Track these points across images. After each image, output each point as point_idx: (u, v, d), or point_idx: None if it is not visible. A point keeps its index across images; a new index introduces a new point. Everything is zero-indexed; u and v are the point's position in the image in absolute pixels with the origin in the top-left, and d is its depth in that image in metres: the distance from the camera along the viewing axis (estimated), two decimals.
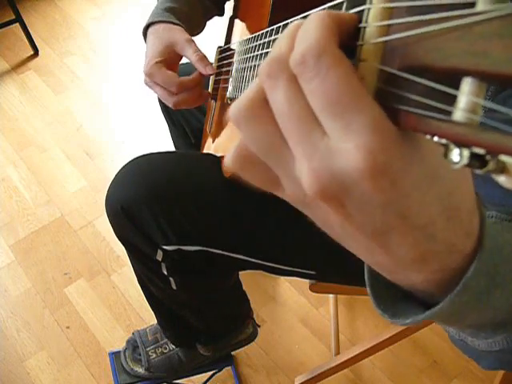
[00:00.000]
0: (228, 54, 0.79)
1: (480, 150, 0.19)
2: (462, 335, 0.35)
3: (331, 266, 0.78)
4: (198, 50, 0.74)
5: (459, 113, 0.19)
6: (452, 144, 0.20)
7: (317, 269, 0.79)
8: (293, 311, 1.31)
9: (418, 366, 1.21)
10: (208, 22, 0.92)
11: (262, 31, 0.52)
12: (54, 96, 1.91)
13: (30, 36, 2.04)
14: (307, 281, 0.86)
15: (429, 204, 0.23)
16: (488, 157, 0.19)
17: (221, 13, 0.94)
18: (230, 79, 0.73)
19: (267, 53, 0.48)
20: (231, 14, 0.90)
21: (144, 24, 0.79)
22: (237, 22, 0.85)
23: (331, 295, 1.28)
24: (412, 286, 0.28)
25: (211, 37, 1.04)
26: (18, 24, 2.00)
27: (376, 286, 0.31)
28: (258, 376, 1.20)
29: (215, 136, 0.87)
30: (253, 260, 0.75)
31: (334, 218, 0.24)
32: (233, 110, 0.24)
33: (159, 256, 0.76)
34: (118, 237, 0.81)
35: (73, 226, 1.51)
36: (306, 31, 0.22)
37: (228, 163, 0.26)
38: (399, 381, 1.18)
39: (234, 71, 0.71)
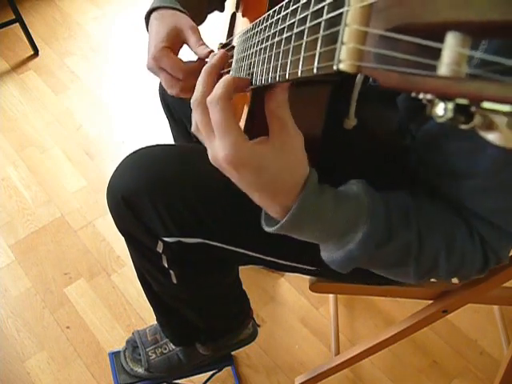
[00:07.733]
0: (229, 48, 0.79)
1: (464, 101, 0.19)
2: (322, 254, 0.58)
3: None
4: (201, 39, 0.73)
5: (444, 67, 0.19)
6: (437, 98, 0.20)
7: (318, 265, 0.79)
8: (293, 311, 1.31)
9: (417, 366, 1.21)
10: (207, 21, 0.92)
11: (256, 21, 0.52)
12: (54, 96, 1.91)
13: (30, 36, 2.04)
14: (307, 281, 0.86)
15: (259, 183, 0.48)
16: (473, 108, 0.19)
17: (222, 8, 0.94)
18: (231, 72, 0.73)
19: (265, 38, 0.48)
20: (232, 11, 0.90)
21: (147, 10, 0.77)
22: (238, 17, 0.85)
23: (331, 295, 1.28)
24: (270, 212, 0.52)
25: (211, 35, 1.04)
26: (17, 24, 2.00)
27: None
28: (258, 376, 1.20)
29: None
30: (253, 254, 0.75)
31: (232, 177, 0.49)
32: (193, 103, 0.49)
33: (159, 248, 0.75)
34: (118, 228, 0.80)
35: (73, 225, 1.51)
36: (217, 88, 0.46)
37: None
38: (399, 381, 1.19)
39: (234, 63, 0.72)
